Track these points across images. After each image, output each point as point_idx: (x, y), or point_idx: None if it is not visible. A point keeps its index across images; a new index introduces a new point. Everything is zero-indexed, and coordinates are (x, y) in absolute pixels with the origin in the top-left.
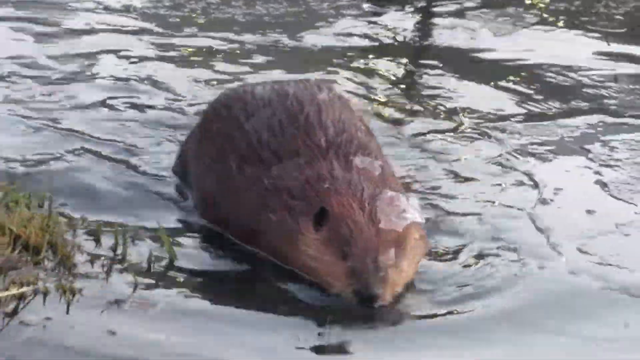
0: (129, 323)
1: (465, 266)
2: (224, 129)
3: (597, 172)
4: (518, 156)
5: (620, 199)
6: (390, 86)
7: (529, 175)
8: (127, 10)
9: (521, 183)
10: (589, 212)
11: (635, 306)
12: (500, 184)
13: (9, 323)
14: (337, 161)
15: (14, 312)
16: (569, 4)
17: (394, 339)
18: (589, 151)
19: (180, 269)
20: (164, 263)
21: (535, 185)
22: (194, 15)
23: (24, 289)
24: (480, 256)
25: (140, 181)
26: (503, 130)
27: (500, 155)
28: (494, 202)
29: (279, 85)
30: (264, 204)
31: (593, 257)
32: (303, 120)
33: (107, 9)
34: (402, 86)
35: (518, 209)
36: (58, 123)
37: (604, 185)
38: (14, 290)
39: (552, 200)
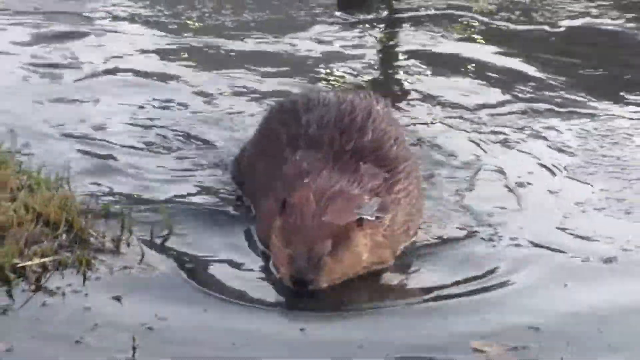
0: (135, 290)
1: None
2: (285, 119)
3: (554, 158)
4: (485, 143)
5: (575, 180)
6: (363, 83)
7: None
8: (132, 19)
9: (490, 169)
10: (551, 192)
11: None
12: (470, 169)
13: (31, 289)
14: (340, 163)
15: (37, 279)
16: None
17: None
18: (545, 139)
19: (179, 239)
20: (164, 234)
21: (502, 171)
22: (189, 23)
23: (45, 259)
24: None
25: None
26: (469, 121)
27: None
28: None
29: (342, 93)
30: (273, 186)
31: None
32: (348, 122)
33: (116, 18)
34: (372, 81)
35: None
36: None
37: (562, 168)
38: (36, 261)
39: (519, 183)
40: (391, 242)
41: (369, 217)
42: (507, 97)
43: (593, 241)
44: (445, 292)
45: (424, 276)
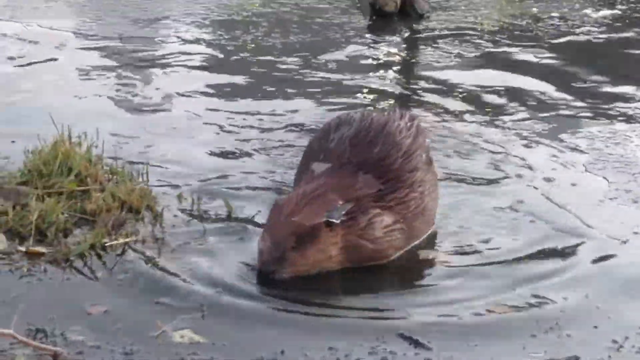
0: (200, 261)
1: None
2: (319, 137)
3: (569, 155)
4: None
5: (591, 173)
6: (390, 97)
7: (522, 158)
8: (198, 42)
9: (516, 164)
10: (573, 184)
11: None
12: (499, 165)
13: (117, 264)
14: (342, 172)
15: (122, 255)
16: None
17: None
18: (561, 140)
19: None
20: (225, 215)
21: (530, 167)
22: (245, 45)
23: (129, 239)
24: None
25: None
26: (495, 125)
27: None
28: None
29: (368, 111)
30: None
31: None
32: (362, 136)
33: (185, 41)
34: (398, 95)
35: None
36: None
37: (578, 164)
38: (121, 240)
39: (544, 177)
40: (374, 243)
41: (334, 220)
42: (521, 106)
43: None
44: None
45: None
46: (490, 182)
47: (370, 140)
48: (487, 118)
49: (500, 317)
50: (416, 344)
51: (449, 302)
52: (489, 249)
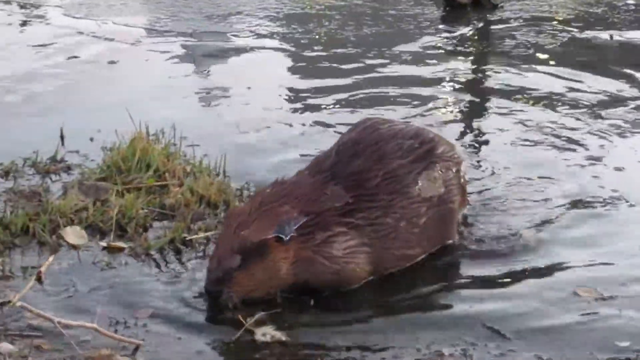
0: None
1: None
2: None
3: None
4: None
5: None
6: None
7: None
8: (272, 36)
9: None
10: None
11: None
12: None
13: (198, 257)
14: (316, 181)
15: (202, 249)
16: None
17: None
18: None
19: None
20: None
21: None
22: (318, 37)
23: (208, 233)
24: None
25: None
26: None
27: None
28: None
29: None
30: None
31: None
32: (357, 148)
33: (259, 35)
34: (470, 81)
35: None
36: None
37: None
38: (201, 234)
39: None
40: (330, 262)
41: (283, 236)
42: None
43: None
44: None
45: None
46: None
47: (357, 152)
48: (560, 109)
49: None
50: (497, 334)
51: (526, 295)
52: None
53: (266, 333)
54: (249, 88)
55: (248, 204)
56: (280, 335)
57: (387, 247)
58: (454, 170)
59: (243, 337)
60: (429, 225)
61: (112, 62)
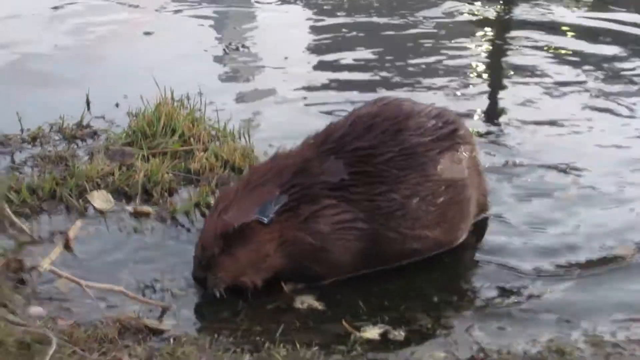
0: None
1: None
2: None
3: None
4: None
5: None
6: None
7: None
8: (294, 1)
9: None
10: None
11: None
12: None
13: None
14: (310, 151)
15: None
16: None
17: None
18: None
19: None
20: None
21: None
22: (341, 4)
23: None
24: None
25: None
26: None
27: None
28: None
29: (401, 102)
30: None
31: None
32: (369, 119)
33: (281, 0)
34: (491, 49)
35: None
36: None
37: None
38: None
39: None
40: (316, 239)
41: (263, 219)
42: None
43: None
44: None
45: None
46: None
47: (373, 124)
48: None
49: None
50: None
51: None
52: None
53: (304, 301)
54: (272, 55)
55: (237, 184)
56: (317, 305)
57: (392, 226)
58: (472, 154)
59: (280, 304)
60: (446, 209)
61: (147, 33)
